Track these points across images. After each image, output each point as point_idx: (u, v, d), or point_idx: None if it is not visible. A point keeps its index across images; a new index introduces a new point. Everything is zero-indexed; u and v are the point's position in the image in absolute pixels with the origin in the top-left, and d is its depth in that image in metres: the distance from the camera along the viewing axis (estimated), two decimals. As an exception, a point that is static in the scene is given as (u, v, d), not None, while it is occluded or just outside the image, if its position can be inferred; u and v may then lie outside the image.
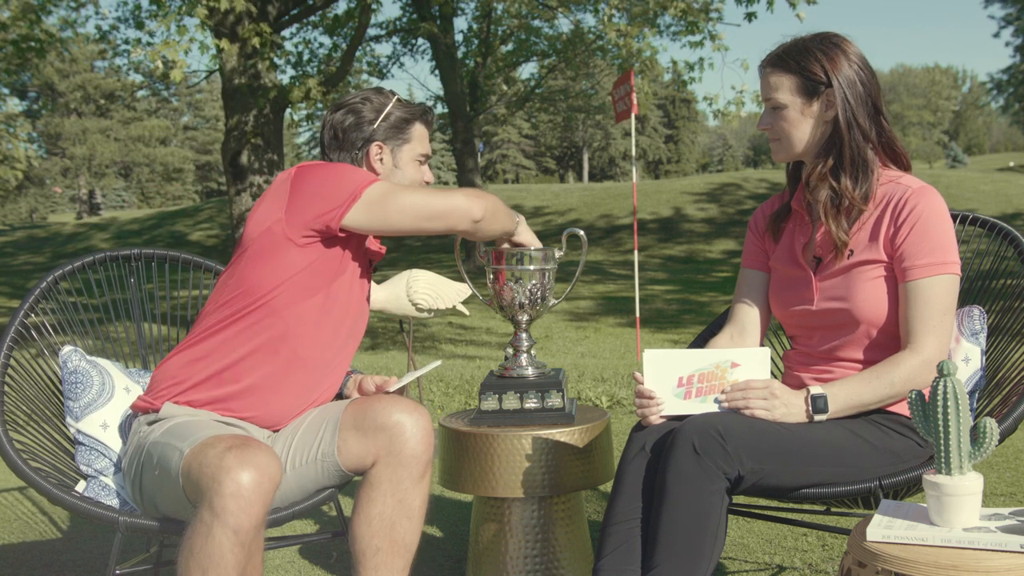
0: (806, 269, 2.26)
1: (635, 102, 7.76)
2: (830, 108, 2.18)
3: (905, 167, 2.24)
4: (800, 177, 2.32)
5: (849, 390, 2.11)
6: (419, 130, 2.42)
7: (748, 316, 2.39)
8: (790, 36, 2.25)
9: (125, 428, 2.41)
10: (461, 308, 4.74)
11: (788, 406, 2.08)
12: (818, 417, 2.09)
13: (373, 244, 2.43)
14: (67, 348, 2.50)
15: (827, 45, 2.18)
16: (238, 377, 2.20)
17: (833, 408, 2.10)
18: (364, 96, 2.40)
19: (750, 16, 12.09)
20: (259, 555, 1.88)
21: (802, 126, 2.20)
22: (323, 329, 2.25)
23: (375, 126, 2.36)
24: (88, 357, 2.51)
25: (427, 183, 2.43)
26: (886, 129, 2.21)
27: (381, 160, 2.37)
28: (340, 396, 2.43)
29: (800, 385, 2.30)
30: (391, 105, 2.38)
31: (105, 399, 2.45)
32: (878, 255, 2.16)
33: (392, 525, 2.11)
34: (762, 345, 2.40)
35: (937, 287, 2.11)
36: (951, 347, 2.46)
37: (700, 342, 2.74)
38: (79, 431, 2.41)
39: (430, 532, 3.28)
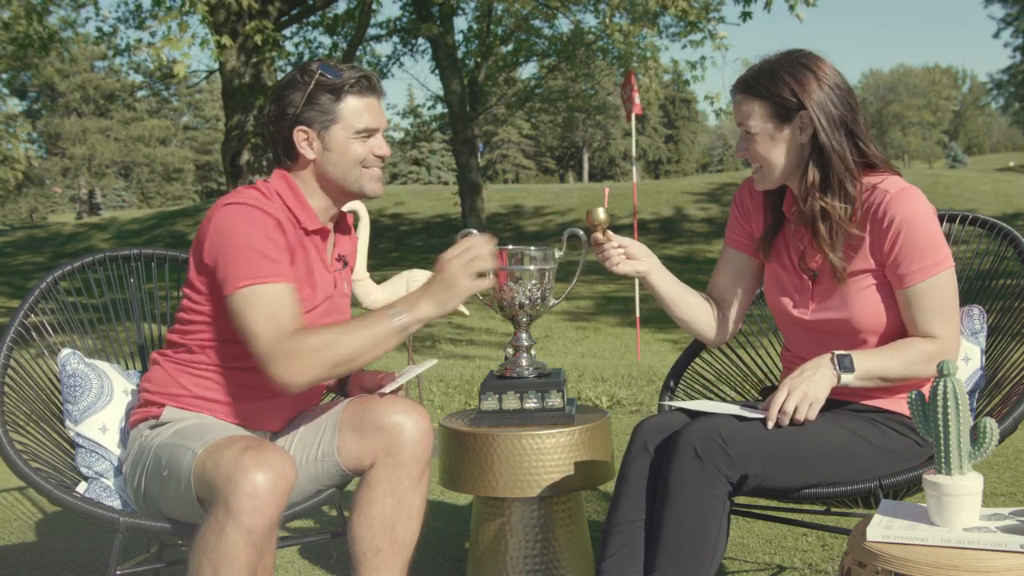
0: (804, 278, 2.24)
1: (637, 102, 7.77)
2: (804, 131, 2.12)
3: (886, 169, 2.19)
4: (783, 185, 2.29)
5: (871, 360, 2.10)
6: (351, 104, 2.18)
7: (724, 295, 2.40)
8: (759, 57, 2.20)
9: (125, 433, 2.40)
10: (461, 308, 4.75)
11: (815, 372, 2.08)
12: (845, 377, 2.07)
13: (346, 247, 2.35)
14: (65, 351, 2.49)
15: (796, 67, 2.11)
16: (220, 394, 2.20)
17: (859, 367, 2.08)
18: (289, 79, 2.20)
19: (745, 16, 12.08)
20: (271, 557, 1.88)
21: (775, 151, 2.15)
22: None
23: (298, 110, 2.16)
24: (87, 360, 2.50)
25: (380, 157, 2.23)
26: (863, 150, 2.14)
27: (310, 146, 2.19)
28: (344, 392, 2.43)
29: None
30: (313, 83, 2.16)
31: (104, 402, 2.44)
32: (867, 264, 2.14)
33: (392, 525, 2.11)
34: (734, 330, 2.45)
35: (937, 287, 2.10)
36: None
37: (700, 342, 2.75)
38: (78, 434, 2.41)
39: (430, 532, 3.28)
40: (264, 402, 2.21)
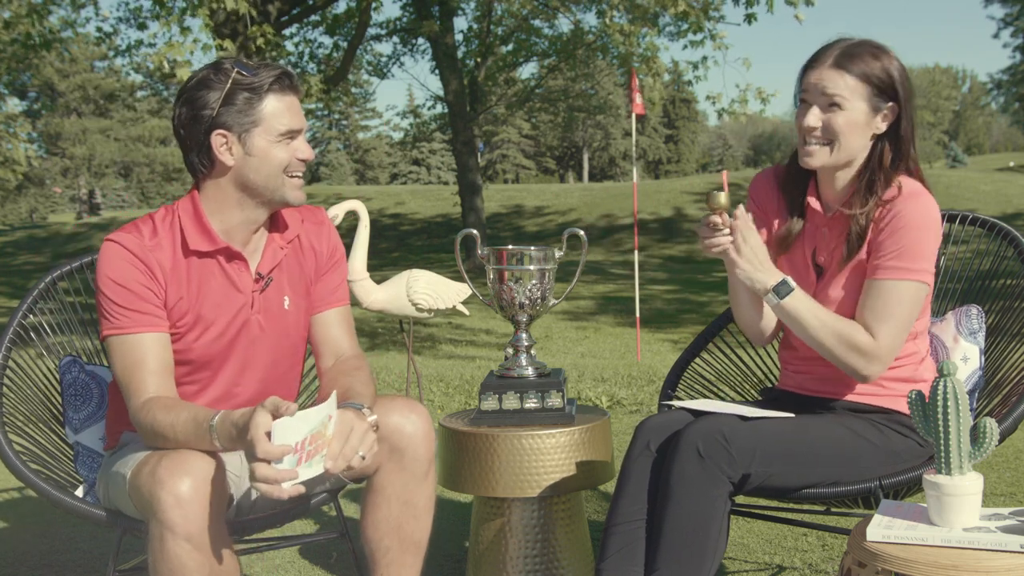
0: (811, 275, 2.23)
1: (637, 102, 7.76)
2: (885, 121, 2.13)
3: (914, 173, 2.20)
4: (806, 174, 2.26)
5: (812, 302, 2.11)
6: (271, 105, 2.02)
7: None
8: (847, 35, 2.17)
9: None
10: (461, 308, 4.77)
11: (757, 257, 2.10)
12: (782, 289, 2.08)
13: (271, 263, 2.16)
14: (66, 359, 2.49)
15: (889, 55, 2.12)
16: None
17: (797, 294, 2.09)
18: (201, 79, 2.03)
19: (750, 18, 12.10)
20: (225, 552, 1.85)
21: (855, 134, 2.11)
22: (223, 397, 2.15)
23: (215, 113, 2.00)
24: (87, 367, 2.50)
25: (303, 160, 2.08)
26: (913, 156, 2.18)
27: (230, 151, 2.03)
28: None
29: (798, 386, 2.30)
30: (230, 83, 1.99)
31: (104, 413, 2.43)
32: (865, 256, 2.15)
33: (399, 526, 2.09)
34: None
35: (898, 292, 2.07)
36: (949, 346, 2.45)
37: (701, 342, 2.75)
38: (78, 442, 2.41)
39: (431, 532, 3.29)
40: None
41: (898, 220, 2.09)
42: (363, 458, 1.83)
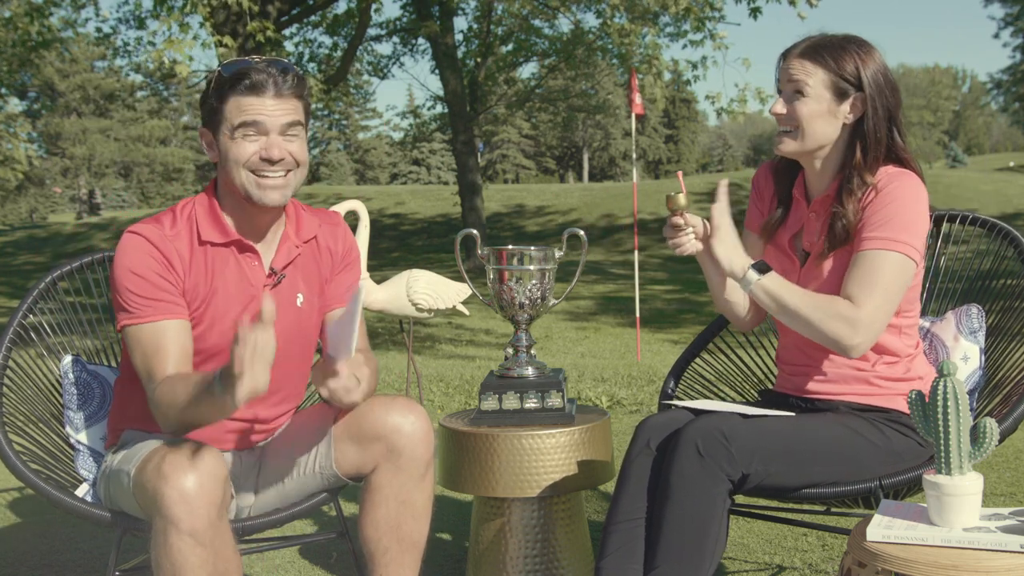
0: (794, 259, 2.25)
1: (637, 102, 7.76)
2: (853, 112, 2.15)
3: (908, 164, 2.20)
4: (795, 167, 2.29)
5: (786, 282, 2.12)
6: (233, 103, 2.01)
7: None
8: (817, 31, 2.21)
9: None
10: (461, 308, 4.77)
11: (738, 247, 2.13)
12: (751, 274, 2.10)
13: (284, 259, 2.17)
14: (68, 358, 2.49)
15: (861, 49, 2.15)
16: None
17: (770, 275, 2.10)
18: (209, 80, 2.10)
19: (755, 12, 12.08)
20: (228, 550, 1.86)
21: (821, 121, 2.15)
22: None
23: (201, 112, 2.08)
24: (89, 367, 2.50)
25: (268, 160, 2.02)
26: (898, 142, 2.17)
27: (211, 149, 2.09)
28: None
29: (796, 388, 2.29)
30: (212, 83, 2.05)
31: (105, 412, 2.43)
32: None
33: (398, 525, 2.10)
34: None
35: (883, 261, 2.06)
36: (949, 345, 2.45)
37: (700, 342, 2.75)
38: (79, 441, 2.41)
39: (430, 532, 3.29)
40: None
41: (882, 196, 2.11)
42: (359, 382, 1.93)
